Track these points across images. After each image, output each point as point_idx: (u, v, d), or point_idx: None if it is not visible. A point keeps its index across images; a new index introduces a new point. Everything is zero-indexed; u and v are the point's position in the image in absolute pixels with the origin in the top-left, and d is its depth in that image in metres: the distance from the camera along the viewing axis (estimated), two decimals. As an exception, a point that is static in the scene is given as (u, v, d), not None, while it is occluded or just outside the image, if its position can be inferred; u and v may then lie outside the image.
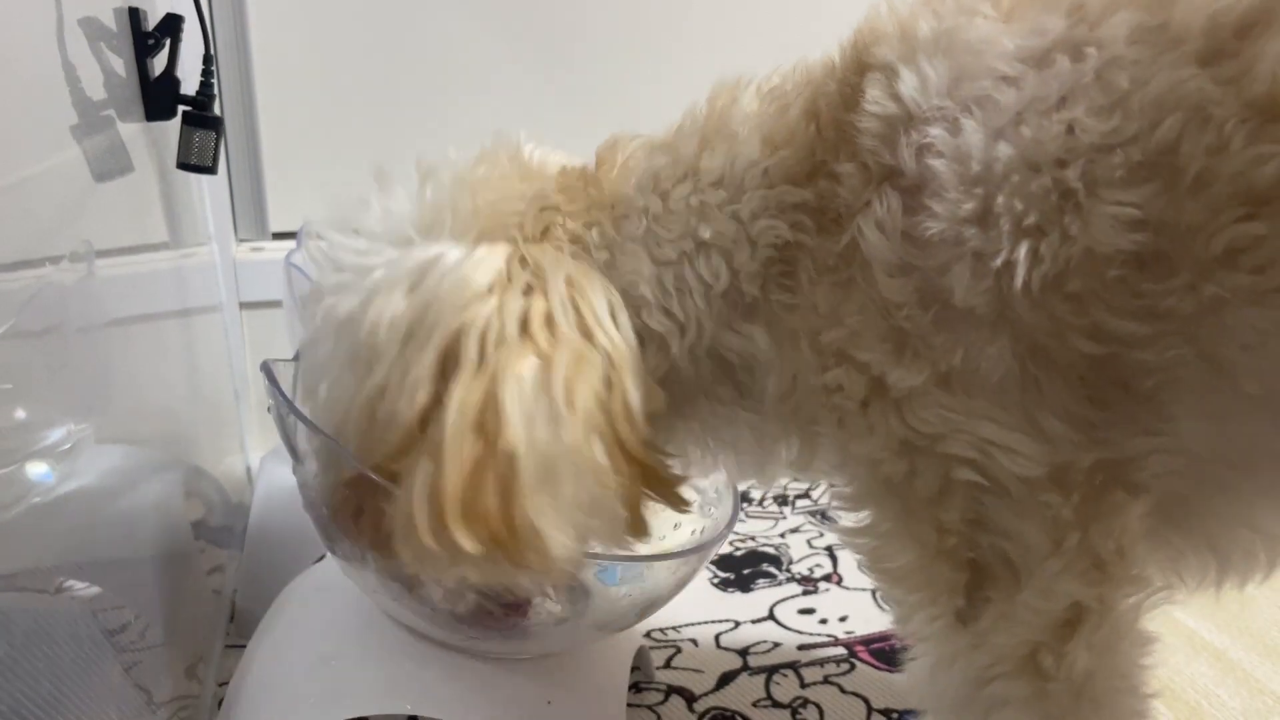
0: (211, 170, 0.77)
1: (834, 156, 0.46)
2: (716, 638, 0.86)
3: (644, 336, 0.51)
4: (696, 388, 0.53)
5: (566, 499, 0.46)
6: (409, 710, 0.61)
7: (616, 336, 0.49)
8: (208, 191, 0.98)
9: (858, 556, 0.52)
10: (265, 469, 1.02)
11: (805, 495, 1.12)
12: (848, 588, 0.94)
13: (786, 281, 0.48)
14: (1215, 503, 0.46)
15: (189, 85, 0.76)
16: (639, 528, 0.51)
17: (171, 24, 0.74)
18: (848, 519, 0.52)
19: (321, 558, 0.79)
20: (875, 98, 0.44)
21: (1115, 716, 0.48)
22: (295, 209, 1.10)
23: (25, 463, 0.56)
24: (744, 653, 0.84)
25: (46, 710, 0.48)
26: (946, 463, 0.45)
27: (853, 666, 0.82)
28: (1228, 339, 0.40)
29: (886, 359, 0.45)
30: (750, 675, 0.81)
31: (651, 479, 0.50)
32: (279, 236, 1.09)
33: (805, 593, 0.93)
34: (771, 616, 0.89)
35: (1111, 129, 0.39)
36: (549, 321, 0.47)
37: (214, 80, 0.76)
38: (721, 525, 0.68)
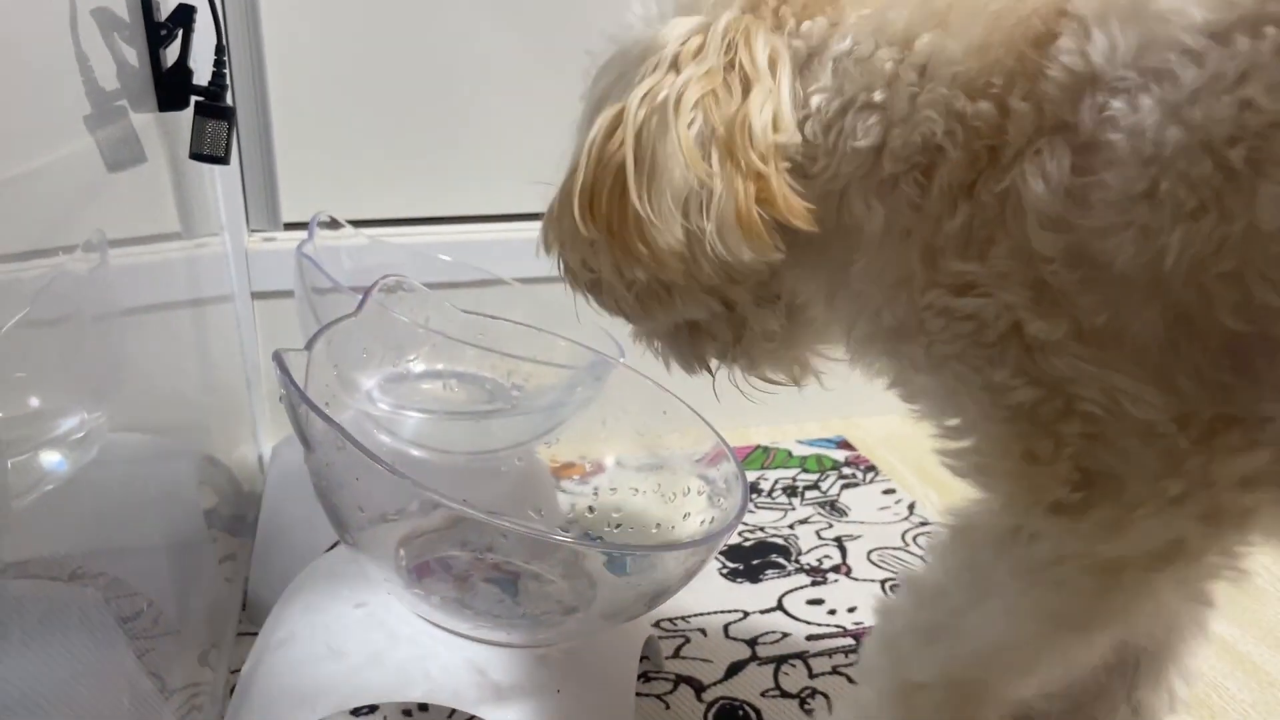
0: (224, 160, 0.77)
1: (1009, 89, 0.47)
2: (725, 628, 0.86)
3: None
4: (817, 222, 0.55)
5: (672, 194, 0.52)
6: (419, 699, 0.61)
7: (760, 63, 0.53)
8: (219, 182, 0.98)
9: (963, 468, 0.54)
10: (277, 457, 1.03)
11: (814, 487, 1.12)
12: (856, 579, 0.94)
13: (921, 179, 0.50)
14: None
15: (201, 75, 0.76)
16: (752, 236, 0.53)
17: (184, 14, 0.74)
18: (955, 443, 0.53)
19: (334, 545, 0.79)
20: (1067, 48, 0.45)
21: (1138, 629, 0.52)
22: (307, 199, 1.10)
23: (39, 451, 0.56)
24: (753, 643, 0.84)
25: (60, 697, 0.48)
26: (1075, 398, 0.47)
27: (861, 657, 0.82)
28: None
29: (1027, 307, 0.47)
30: (759, 665, 0.81)
31: (765, 196, 0.53)
32: (291, 227, 1.09)
33: (814, 583, 0.93)
34: (780, 607, 0.90)
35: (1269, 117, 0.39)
36: (698, 51, 0.53)
37: (226, 70, 0.76)
38: (731, 516, 0.68)
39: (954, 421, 0.53)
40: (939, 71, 0.49)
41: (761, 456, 1.20)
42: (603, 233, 0.55)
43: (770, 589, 0.92)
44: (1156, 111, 0.42)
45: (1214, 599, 0.62)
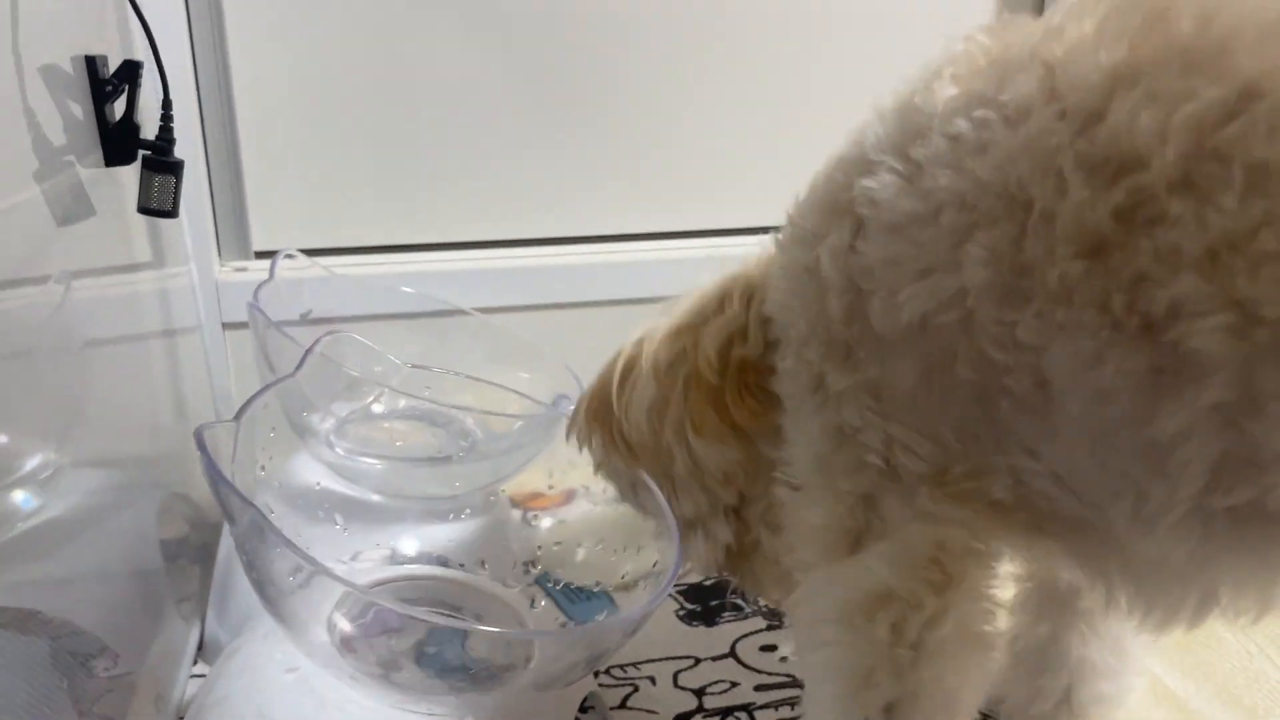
0: (172, 214, 0.78)
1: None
2: (675, 676, 0.87)
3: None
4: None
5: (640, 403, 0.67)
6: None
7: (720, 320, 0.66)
8: (185, 214, 0.98)
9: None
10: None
11: (782, 519, 1.12)
12: (813, 623, 0.94)
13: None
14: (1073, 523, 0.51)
15: (154, 129, 0.77)
16: (702, 436, 0.67)
17: (129, 70, 0.74)
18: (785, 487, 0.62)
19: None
20: (856, 139, 0.54)
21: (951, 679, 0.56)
22: (279, 229, 1.10)
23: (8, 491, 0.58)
24: (700, 693, 0.84)
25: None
26: (863, 449, 0.54)
27: (808, 710, 0.83)
28: (1057, 367, 0.45)
29: (826, 361, 0.55)
30: (704, 718, 0.82)
31: (718, 404, 0.66)
32: (262, 255, 1.10)
33: (770, 627, 0.93)
34: (733, 653, 0.90)
35: (976, 187, 0.46)
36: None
37: (172, 125, 0.76)
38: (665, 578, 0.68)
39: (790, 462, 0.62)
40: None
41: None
42: (598, 428, 0.71)
43: (725, 634, 0.92)
44: (895, 186, 0.49)
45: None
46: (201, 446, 0.58)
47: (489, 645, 0.67)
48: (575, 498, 0.89)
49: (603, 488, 0.79)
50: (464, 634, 0.73)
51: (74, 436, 0.76)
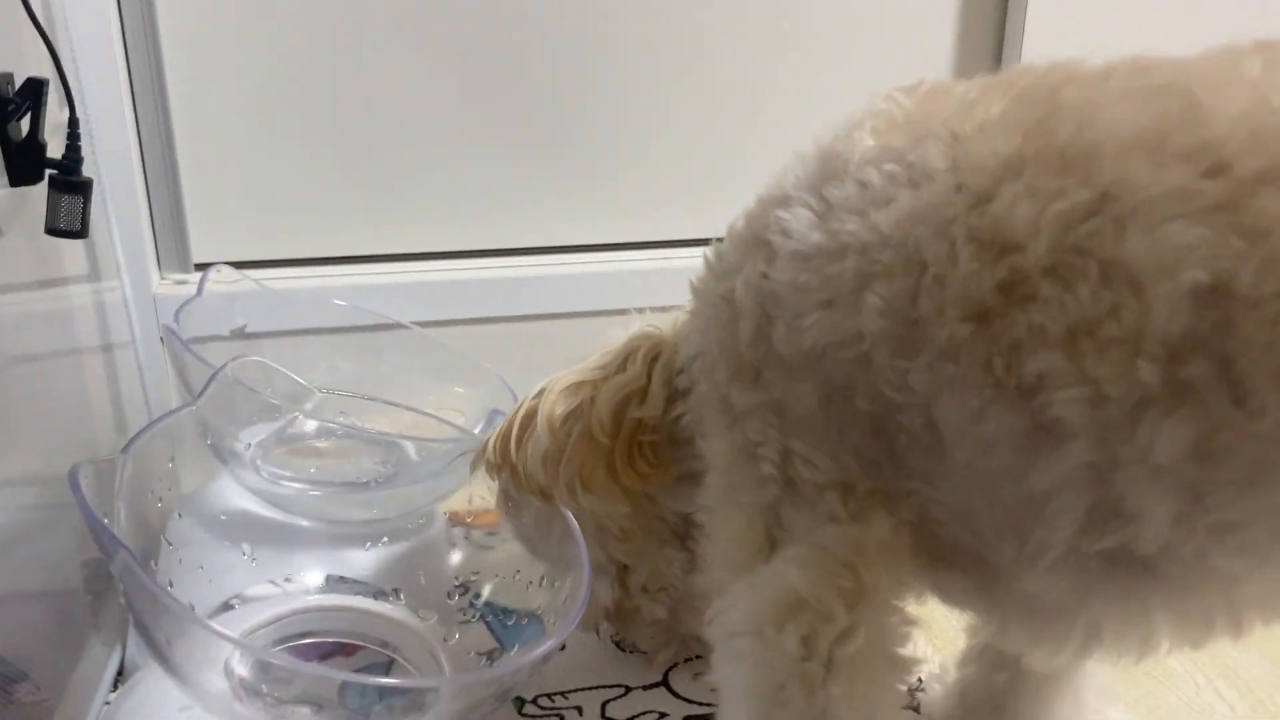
0: (81, 234, 0.76)
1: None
2: (603, 706, 0.85)
3: None
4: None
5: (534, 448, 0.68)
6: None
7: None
8: (117, 227, 0.97)
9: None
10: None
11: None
12: (750, 650, 0.92)
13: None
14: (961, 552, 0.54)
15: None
16: (591, 491, 0.69)
17: (34, 88, 0.72)
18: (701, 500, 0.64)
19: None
20: (778, 180, 0.58)
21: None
22: (220, 242, 1.09)
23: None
24: (627, 724, 0.83)
25: None
26: (762, 462, 0.56)
27: (736, 743, 0.81)
28: (945, 417, 0.48)
29: (733, 382, 0.57)
30: (628, 751, 0.80)
31: (608, 463, 0.68)
32: (202, 267, 1.08)
33: (707, 654, 0.91)
34: (665, 682, 0.88)
35: (878, 238, 0.49)
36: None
37: (79, 143, 0.74)
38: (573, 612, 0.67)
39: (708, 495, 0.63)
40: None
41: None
42: (506, 469, 0.71)
43: (659, 661, 0.90)
44: (807, 219, 0.53)
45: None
46: (74, 484, 0.57)
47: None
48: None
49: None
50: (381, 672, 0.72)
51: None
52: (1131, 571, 0.47)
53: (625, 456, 0.67)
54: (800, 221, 0.53)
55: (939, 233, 0.47)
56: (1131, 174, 0.42)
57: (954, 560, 0.55)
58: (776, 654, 0.54)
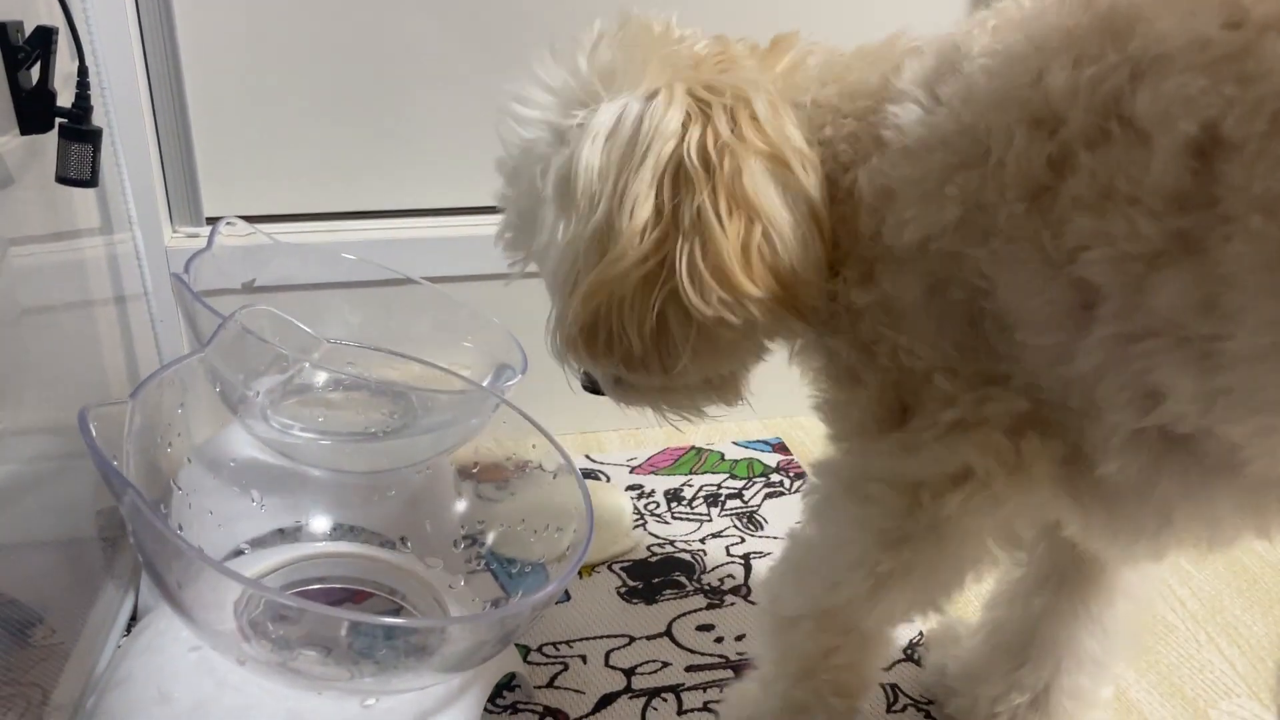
0: (91, 183, 0.76)
1: (874, 108, 0.57)
2: (607, 655, 0.86)
3: None
4: None
5: (810, 249, 0.58)
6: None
7: (805, 147, 0.58)
8: (129, 179, 0.97)
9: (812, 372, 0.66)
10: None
11: (738, 495, 1.11)
12: (754, 602, 0.93)
13: (834, 190, 0.59)
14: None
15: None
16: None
17: (43, 36, 0.72)
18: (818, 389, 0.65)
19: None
20: (897, 76, 0.57)
21: (947, 557, 0.59)
22: (232, 195, 1.09)
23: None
24: (630, 672, 0.84)
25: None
26: (876, 355, 0.57)
27: (736, 692, 0.82)
28: (1009, 295, 0.51)
29: (853, 279, 0.57)
30: (630, 699, 0.81)
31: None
32: (214, 221, 1.08)
33: (710, 606, 0.93)
34: (668, 633, 0.89)
35: (959, 128, 0.50)
36: (758, 126, 0.57)
37: (89, 92, 0.75)
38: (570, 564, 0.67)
39: (824, 379, 0.64)
40: (858, 98, 0.59)
41: (693, 459, 1.18)
42: (766, 289, 0.57)
43: (663, 612, 0.91)
44: (915, 113, 0.53)
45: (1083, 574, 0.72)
46: (84, 427, 0.57)
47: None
48: (529, 469, 0.88)
49: (551, 464, 0.79)
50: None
51: (9, 404, 0.76)
52: (1185, 450, 0.49)
53: None
54: (909, 116, 0.53)
55: (1005, 115, 0.48)
56: (1161, 27, 0.43)
57: (1053, 440, 0.55)
58: (924, 511, 0.57)
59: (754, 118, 0.57)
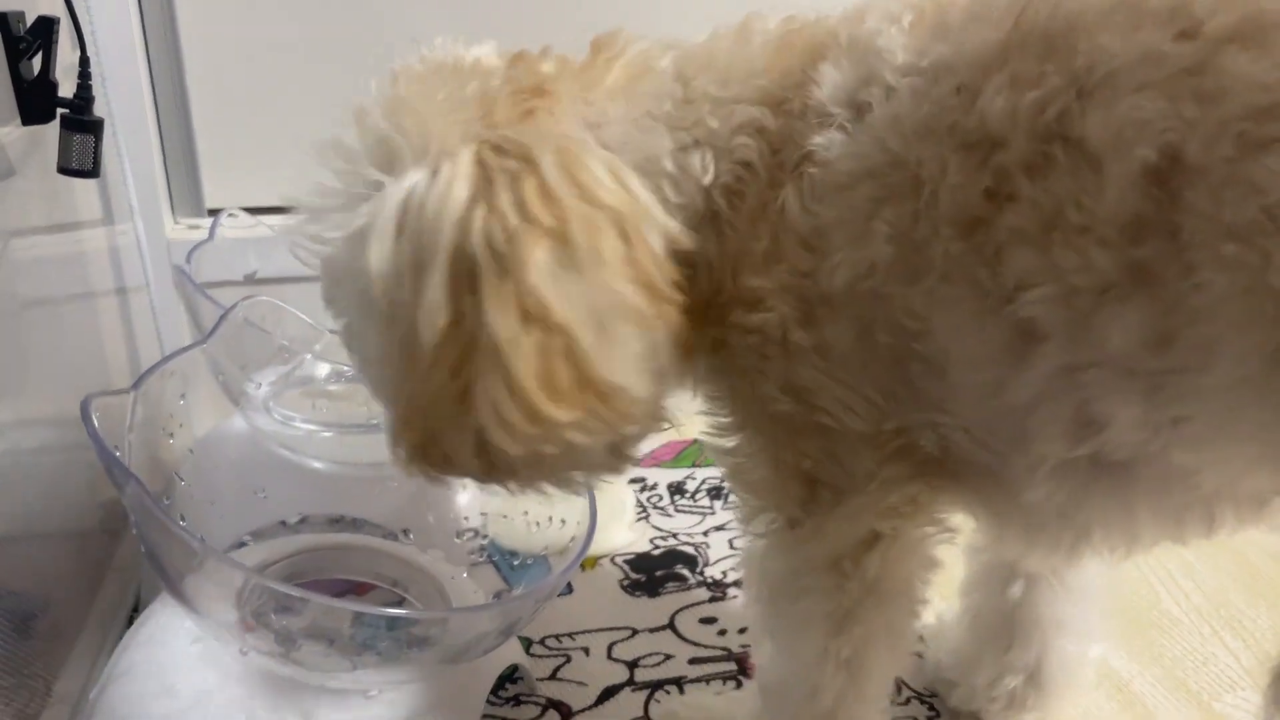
0: (93, 174, 0.76)
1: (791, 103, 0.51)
2: (610, 647, 0.86)
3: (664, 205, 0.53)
4: None
5: (628, 347, 0.48)
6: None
7: (621, 192, 0.49)
8: (130, 171, 0.97)
9: (723, 471, 0.62)
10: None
11: (740, 488, 1.11)
12: (757, 596, 0.93)
13: (736, 202, 0.53)
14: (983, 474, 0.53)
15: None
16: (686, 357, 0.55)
17: (44, 27, 0.72)
18: (723, 441, 0.60)
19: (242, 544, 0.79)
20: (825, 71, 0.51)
21: (893, 611, 0.59)
22: (233, 185, 1.09)
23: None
24: (633, 665, 0.84)
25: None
26: (815, 410, 0.53)
27: (739, 684, 0.82)
28: (942, 335, 0.48)
29: (794, 318, 0.51)
30: (633, 691, 0.81)
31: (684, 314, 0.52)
32: (216, 213, 1.08)
33: (712, 599, 0.92)
34: (671, 625, 0.89)
35: (889, 158, 0.47)
36: (547, 196, 0.47)
37: (90, 82, 0.74)
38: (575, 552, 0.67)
39: (726, 420, 0.59)
40: (745, 90, 0.52)
41: (696, 452, 1.18)
42: (578, 411, 0.48)
43: (666, 604, 0.91)
44: (839, 141, 0.48)
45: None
46: (86, 417, 0.57)
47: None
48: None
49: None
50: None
51: (11, 395, 0.76)
52: (1115, 475, 0.48)
53: None
54: (835, 147, 0.48)
55: (936, 145, 0.45)
56: (1105, 42, 0.40)
57: (967, 478, 0.55)
58: (852, 581, 0.57)
59: (541, 186, 0.47)
